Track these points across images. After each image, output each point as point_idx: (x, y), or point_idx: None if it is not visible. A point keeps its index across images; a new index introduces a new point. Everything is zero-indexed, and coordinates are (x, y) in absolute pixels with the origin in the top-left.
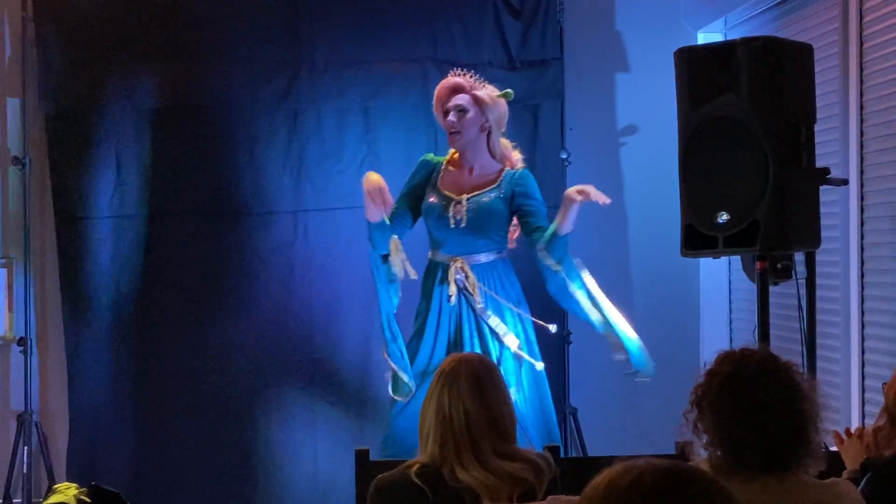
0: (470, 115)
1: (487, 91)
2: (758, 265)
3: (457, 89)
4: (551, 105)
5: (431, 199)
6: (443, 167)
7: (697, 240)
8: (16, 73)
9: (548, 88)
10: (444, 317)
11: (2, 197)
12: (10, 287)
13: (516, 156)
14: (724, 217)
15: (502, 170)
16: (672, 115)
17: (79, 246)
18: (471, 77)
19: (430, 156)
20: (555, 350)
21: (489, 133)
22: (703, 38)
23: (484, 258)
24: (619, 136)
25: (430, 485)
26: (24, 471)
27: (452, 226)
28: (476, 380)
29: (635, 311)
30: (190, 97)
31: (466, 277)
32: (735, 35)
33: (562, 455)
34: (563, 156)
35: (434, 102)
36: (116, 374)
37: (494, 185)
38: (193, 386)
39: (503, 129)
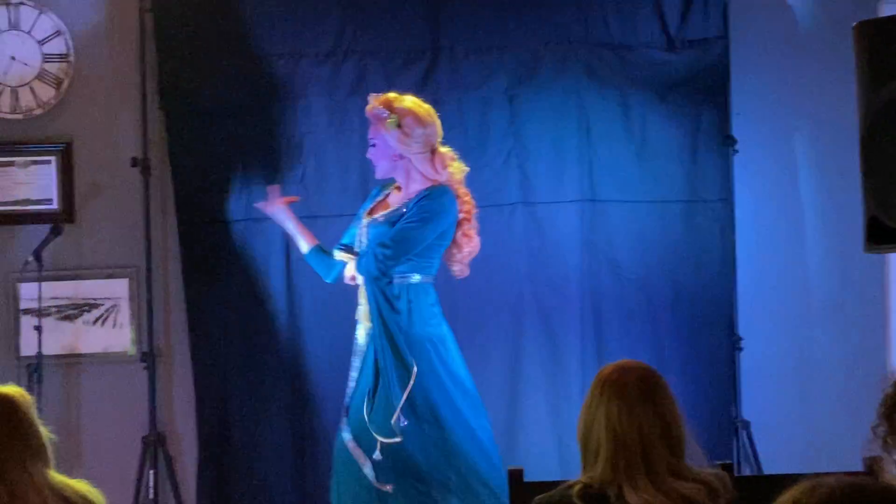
0: (378, 148)
1: (390, 124)
2: None
3: (370, 119)
4: (715, 88)
5: (355, 225)
6: (386, 192)
7: (883, 234)
8: (132, 69)
9: (711, 69)
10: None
11: (121, 201)
12: (131, 299)
13: (454, 168)
14: None
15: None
16: (851, 96)
17: (204, 253)
18: (377, 108)
19: (387, 182)
20: (723, 358)
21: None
22: (886, 9)
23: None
24: (792, 120)
25: None
26: (151, 496)
27: (357, 249)
28: (647, 389)
29: (812, 313)
30: (322, 91)
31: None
32: None
33: (735, 473)
34: (730, 143)
35: None
36: (249, 389)
37: (397, 207)
38: (336, 399)
39: (431, 147)
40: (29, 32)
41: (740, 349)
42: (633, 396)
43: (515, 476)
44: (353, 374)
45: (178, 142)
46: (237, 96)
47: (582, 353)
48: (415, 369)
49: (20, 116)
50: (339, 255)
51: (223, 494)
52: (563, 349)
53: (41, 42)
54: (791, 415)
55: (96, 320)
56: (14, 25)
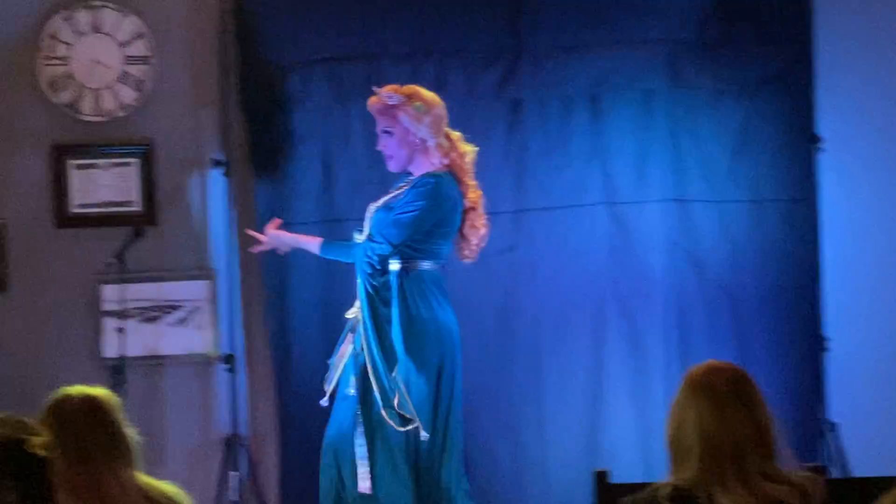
0: (395, 136)
1: (409, 105)
2: None
3: (379, 111)
4: (800, 85)
5: None
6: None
7: None
8: (215, 70)
9: (796, 66)
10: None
11: (202, 204)
12: (212, 301)
13: (463, 149)
14: None
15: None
16: None
17: (285, 254)
18: (388, 94)
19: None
20: (809, 359)
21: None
22: None
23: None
24: (882, 117)
25: None
26: (234, 499)
27: (357, 238)
28: (738, 390)
29: None
30: None
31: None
32: None
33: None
34: (816, 142)
35: None
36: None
37: (395, 194)
38: None
39: (442, 132)
40: (111, 35)
41: (827, 350)
42: (723, 397)
43: (601, 478)
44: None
45: (259, 143)
46: (318, 96)
47: (665, 354)
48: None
49: (102, 119)
50: (357, 237)
51: (306, 496)
52: (646, 350)
53: (123, 44)
54: (881, 416)
55: (178, 322)
56: (96, 28)
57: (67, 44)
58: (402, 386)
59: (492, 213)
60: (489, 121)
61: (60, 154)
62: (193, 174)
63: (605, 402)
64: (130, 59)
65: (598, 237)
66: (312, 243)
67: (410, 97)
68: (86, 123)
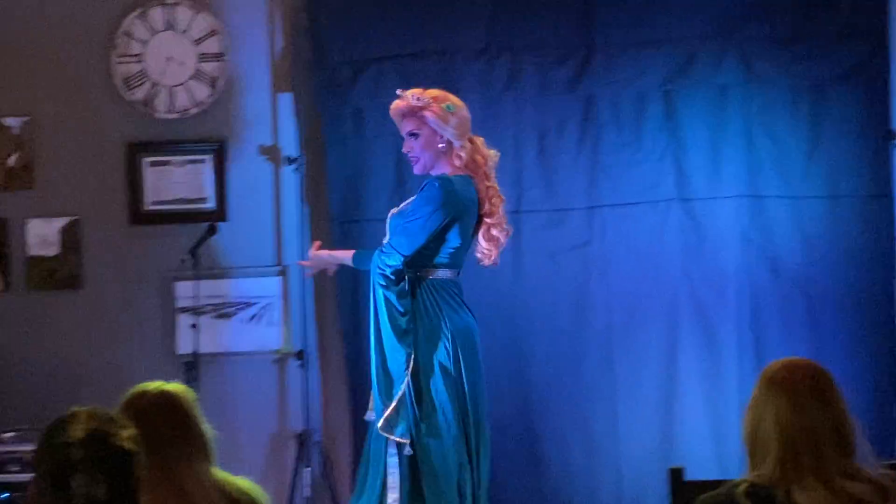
0: (422, 138)
1: (436, 106)
2: None
3: (404, 114)
4: (877, 80)
5: None
6: None
7: None
8: (287, 67)
9: (872, 61)
10: None
11: (275, 200)
12: (285, 297)
13: (488, 153)
14: None
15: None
16: None
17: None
18: (416, 96)
19: None
20: (885, 357)
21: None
22: None
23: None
24: None
25: None
26: (307, 494)
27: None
28: (816, 386)
29: None
30: (474, 88)
31: None
32: None
33: None
34: (886, 137)
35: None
36: None
37: (409, 201)
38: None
39: (466, 135)
40: (185, 33)
41: None
42: (802, 394)
43: (676, 475)
44: None
45: (332, 140)
46: (391, 93)
47: (739, 350)
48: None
49: (176, 116)
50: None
51: None
52: (720, 346)
53: (197, 42)
54: None
55: (251, 318)
56: (170, 26)
57: (142, 41)
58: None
59: (564, 210)
60: (562, 117)
61: (134, 151)
62: (266, 171)
63: (678, 398)
64: (204, 57)
65: (671, 233)
66: (344, 257)
67: (436, 99)
68: (159, 121)
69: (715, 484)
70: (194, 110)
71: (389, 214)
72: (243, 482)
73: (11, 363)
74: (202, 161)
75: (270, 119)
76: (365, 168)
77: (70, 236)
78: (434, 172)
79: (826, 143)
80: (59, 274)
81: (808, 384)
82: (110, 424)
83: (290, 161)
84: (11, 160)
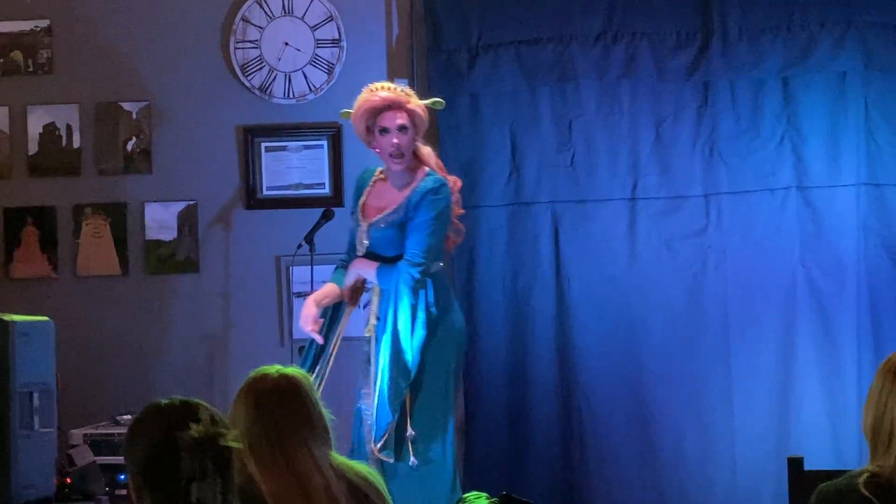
0: (410, 134)
1: (419, 102)
2: None
3: (395, 106)
4: None
5: (353, 226)
6: (371, 184)
7: None
8: (403, 54)
9: None
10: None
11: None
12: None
13: (434, 162)
14: None
15: (411, 183)
16: None
17: (472, 237)
18: (405, 91)
19: (368, 170)
20: None
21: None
22: None
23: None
24: None
25: (882, 497)
26: None
27: (360, 253)
28: None
29: None
30: (591, 74)
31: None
32: None
33: None
34: None
35: (361, 114)
36: (514, 374)
37: (396, 207)
38: (600, 387)
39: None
40: (302, 18)
41: None
42: None
43: (796, 464)
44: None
45: (447, 126)
46: (507, 79)
47: (857, 340)
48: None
49: (293, 101)
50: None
51: (489, 478)
52: (837, 335)
53: (314, 27)
54: None
55: (365, 305)
56: (288, 11)
57: (259, 27)
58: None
59: (681, 197)
60: (679, 104)
61: (251, 136)
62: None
63: (794, 388)
64: (321, 42)
65: (789, 221)
66: (370, 270)
67: (411, 95)
68: (276, 106)
69: (835, 474)
70: (311, 96)
71: (366, 221)
72: (362, 467)
73: (130, 345)
74: (318, 146)
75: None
76: (480, 155)
77: (187, 220)
78: (406, 171)
79: None
80: (177, 258)
81: None
82: (216, 426)
83: None
84: (130, 145)
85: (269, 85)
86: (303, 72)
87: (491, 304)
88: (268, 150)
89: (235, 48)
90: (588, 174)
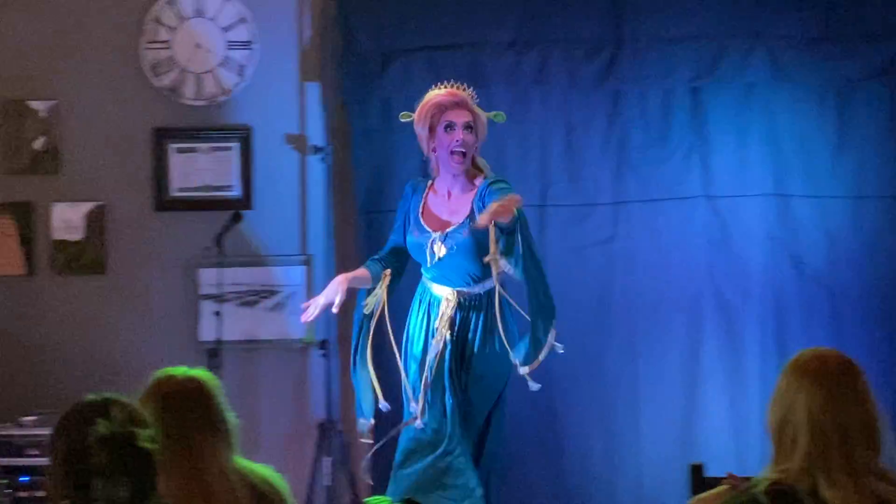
0: (473, 135)
1: (481, 111)
2: None
3: (461, 104)
4: None
5: (413, 236)
6: (425, 195)
7: None
8: (315, 55)
9: None
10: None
11: (301, 189)
12: (310, 286)
13: (489, 171)
14: None
15: (475, 186)
16: None
17: (382, 241)
18: (471, 93)
19: (418, 180)
20: None
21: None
22: None
23: (475, 289)
24: None
25: None
26: (327, 483)
27: (429, 265)
28: (848, 378)
29: None
30: (501, 81)
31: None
32: None
33: None
34: None
35: (427, 109)
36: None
37: (468, 214)
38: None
39: None
40: (213, 20)
41: None
42: (834, 385)
43: (696, 471)
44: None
45: (359, 130)
46: (419, 84)
47: (762, 349)
48: None
49: (203, 103)
50: (439, 288)
51: None
52: (742, 344)
53: (225, 29)
54: None
55: (274, 307)
56: (199, 13)
57: (171, 28)
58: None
59: (590, 205)
60: (590, 112)
61: (161, 138)
62: (292, 160)
63: (700, 394)
64: (232, 44)
65: (697, 230)
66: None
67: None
68: (187, 107)
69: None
70: (222, 98)
71: (438, 232)
72: (264, 470)
73: (33, 346)
74: (229, 149)
75: (297, 108)
76: (391, 159)
77: (95, 221)
78: (468, 179)
79: (852, 144)
80: (84, 259)
81: (839, 375)
82: (130, 424)
83: (317, 150)
84: (38, 144)
85: (180, 86)
86: (214, 73)
87: (404, 304)
88: (177, 151)
89: (146, 49)
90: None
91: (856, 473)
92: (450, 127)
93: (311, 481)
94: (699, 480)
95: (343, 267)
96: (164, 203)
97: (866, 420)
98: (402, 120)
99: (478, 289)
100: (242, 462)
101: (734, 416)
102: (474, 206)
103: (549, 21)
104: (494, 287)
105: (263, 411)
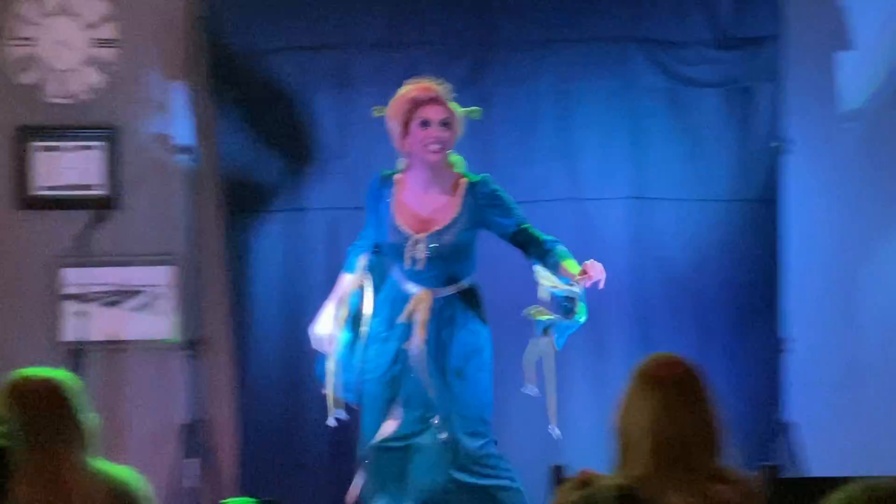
0: (452, 131)
1: (457, 107)
2: None
3: (436, 100)
4: (767, 87)
5: (390, 235)
6: (394, 191)
7: None
8: (183, 54)
9: (763, 68)
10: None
11: (167, 189)
12: (175, 287)
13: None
14: None
15: (457, 183)
16: None
17: (249, 241)
18: (446, 87)
19: (384, 173)
20: (768, 359)
21: None
22: None
23: (450, 290)
24: (844, 121)
25: None
26: (189, 485)
27: (407, 267)
28: (689, 385)
29: (862, 315)
30: (369, 83)
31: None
32: None
33: (780, 475)
34: (780, 143)
35: (401, 104)
36: (290, 378)
37: (456, 215)
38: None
39: None
40: (78, 17)
41: (785, 351)
42: (674, 392)
43: (557, 472)
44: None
45: (226, 130)
46: (287, 85)
47: (626, 351)
48: None
49: (68, 101)
50: (412, 286)
51: (263, 483)
52: (606, 347)
53: (90, 27)
54: (841, 417)
55: (139, 307)
56: (64, 10)
57: (34, 24)
58: None
59: None
60: None
61: (24, 135)
62: (158, 159)
63: (565, 399)
64: (98, 42)
65: (563, 233)
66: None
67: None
68: (51, 105)
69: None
70: (87, 96)
71: (418, 233)
72: (122, 471)
73: None
74: (93, 147)
75: (165, 107)
76: (258, 159)
77: None
78: (438, 169)
79: (714, 148)
80: None
81: (680, 382)
82: None
83: (183, 150)
84: None
85: (44, 83)
86: (79, 71)
87: (266, 311)
88: (41, 149)
89: (8, 45)
90: (365, 181)
91: (696, 479)
92: (425, 124)
93: (176, 483)
94: (560, 481)
95: (209, 267)
96: (27, 202)
97: (706, 425)
98: (375, 115)
99: (452, 289)
100: (101, 464)
101: (599, 418)
102: (465, 206)
103: (416, 22)
104: (468, 287)
105: (128, 412)
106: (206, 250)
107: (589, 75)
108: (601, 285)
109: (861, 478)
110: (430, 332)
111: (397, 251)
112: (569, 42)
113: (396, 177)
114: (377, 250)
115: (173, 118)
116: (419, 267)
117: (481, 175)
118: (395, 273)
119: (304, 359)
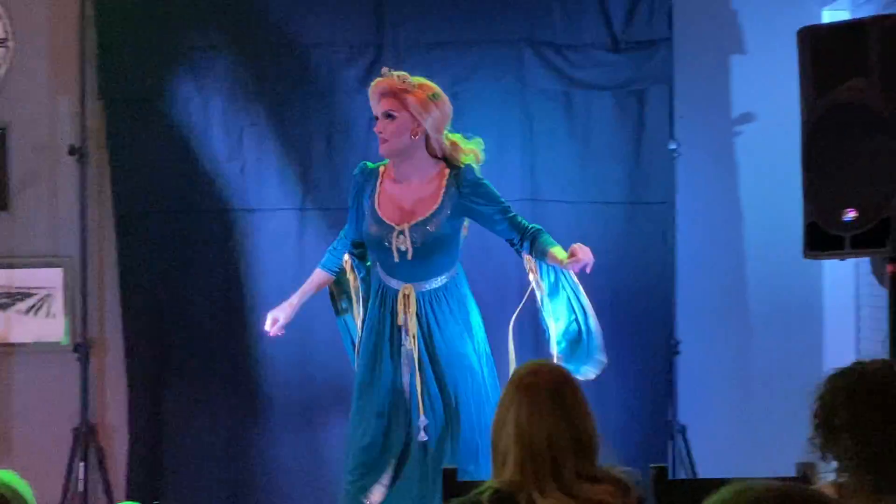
0: (398, 121)
1: (420, 93)
2: (889, 268)
3: (384, 93)
4: (659, 90)
5: (371, 229)
6: (379, 182)
7: (821, 240)
8: (72, 55)
9: (655, 72)
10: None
11: (56, 191)
12: (65, 289)
13: (469, 148)
14: (851, 215)
15: (442, 175)
16: (794, 101)
17: (140, 243)
18: (402, 78)
19: (367, 165)
20: (661, 361)
21: (427, 137)
22: (828, 16)
23: (434, 283)
24: (735, 124)
25: None
26: (80, 488)
27: (397, 259)
28: (557, 392)
29: (751, 317)
30: (262, 83)
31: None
32: (865, 13)
33: (669, 476)
34: (672, 146)
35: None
36: (183, 382)
37: (438, 205)
38: (277, 393)
39: (446, 129)
40: None
41: (678, 353)
42: (542, 400)
43: (449, 476)
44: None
45: (116, 131)
46: (177, 86)
47: (519, 352)
48: None
49: None
50: (395, 282)
51: (154, 487)
52: (500, 348)
53: None
54: (729, 419)
55: (29, 310)
56: None
57: None
58: None
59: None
60: (351, 116)
61: None
62: (48, 160)
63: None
64: None
65: None
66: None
67: (422, 87)
68: None
69: (479, 485)
70: None
71: (402, 224)
72: (4, 474)
73: None
74: None
75: (54, 108)
76: (152, 161)
77: None
78: (409, 161)
79: (609, 150)
80: None
81: (548, 390)
82: None
83: (73, 151)
84: None
85: None
86: None
87: (161, 308)
88: None
89: None
90: (259, 183)
91: (565, 483)
92: (376, 119)
93: (66, 487)
94: (452, 485)
95: (101, 268)
96: None
97: (576, 430)
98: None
99: (436, 283)
100: None
101: (483, 425)
102: (447, 196)
103: (310, 24)
104: (451, 280)
105: (17, 416)
106: (98, 252)
107: (483, 77)
108: (588, 269)
109: (740, 479)
110: (417, 327)
111: (380, 245)
112: (463, 43)
113: (381, 169)
114: (359, 249)
115: (63, 118)
116: (408, 258)
117: (462, 164)
118: (379, 269)
119: (198, 362)
